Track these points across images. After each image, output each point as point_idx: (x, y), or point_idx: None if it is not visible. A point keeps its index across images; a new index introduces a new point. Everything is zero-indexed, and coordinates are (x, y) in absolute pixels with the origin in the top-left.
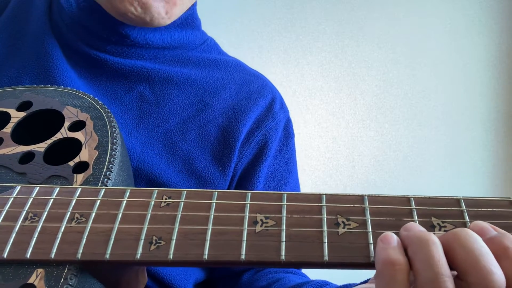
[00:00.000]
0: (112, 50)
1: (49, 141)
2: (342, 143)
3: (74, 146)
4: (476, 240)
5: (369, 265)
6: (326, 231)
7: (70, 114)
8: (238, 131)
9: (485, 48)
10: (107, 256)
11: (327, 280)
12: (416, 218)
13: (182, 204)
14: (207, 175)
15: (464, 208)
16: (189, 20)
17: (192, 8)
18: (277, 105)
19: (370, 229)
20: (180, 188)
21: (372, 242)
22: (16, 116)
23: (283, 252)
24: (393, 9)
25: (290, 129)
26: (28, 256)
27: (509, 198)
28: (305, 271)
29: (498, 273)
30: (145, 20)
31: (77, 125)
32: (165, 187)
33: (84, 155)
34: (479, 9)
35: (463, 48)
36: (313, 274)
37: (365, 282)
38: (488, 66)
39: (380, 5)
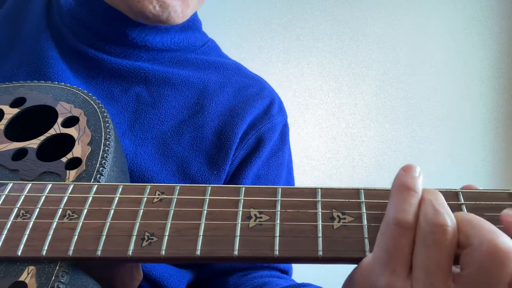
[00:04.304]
0: (110, 50)
1: (42, 137)
2: (342, 143)
3: (68, 142)
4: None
5: None
6: (320, 226)
7: (64, 109)
8: (234, 134)
9: (485, 48)
10: (99, 252)
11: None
12: None
13: (175, 200)
14: (201, 179)
15: (463, 201)
16: (190, 22)
17: None
18: (275, 108)
19: (365, 223)
20: None
21: (367, 236)
22: (10, 112)
23: (277, 247)
24: (393, 9)
25: (286, 134)
26: (19, 253)
27: (509, 190)
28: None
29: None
30: (161, 18)
31: (71, 121)
32: None
33: (77, 151)
34: (479, 9)
35: (463, 48)
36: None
37: None
38: (488, 66)
39: (380, 5)
